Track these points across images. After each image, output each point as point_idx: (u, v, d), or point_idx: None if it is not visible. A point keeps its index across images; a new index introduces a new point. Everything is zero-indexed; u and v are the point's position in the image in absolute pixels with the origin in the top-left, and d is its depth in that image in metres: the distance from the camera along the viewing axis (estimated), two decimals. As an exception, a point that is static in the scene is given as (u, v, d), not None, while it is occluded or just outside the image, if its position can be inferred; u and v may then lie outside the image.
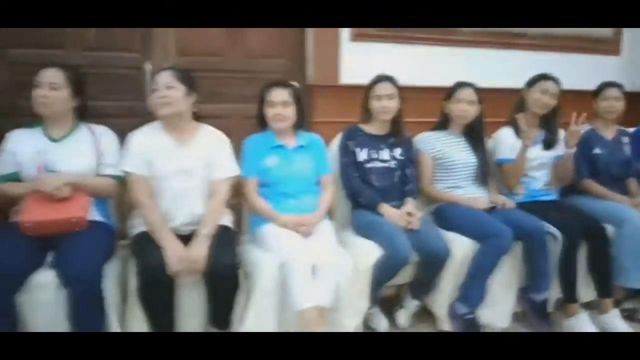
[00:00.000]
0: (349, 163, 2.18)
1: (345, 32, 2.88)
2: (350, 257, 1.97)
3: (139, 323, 1.76)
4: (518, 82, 2.53)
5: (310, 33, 2.85)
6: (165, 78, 1.84)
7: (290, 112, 2.01)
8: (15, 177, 1.79)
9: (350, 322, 1.98)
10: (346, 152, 2.19)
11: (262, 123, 2.10)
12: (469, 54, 3.07)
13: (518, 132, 2.33)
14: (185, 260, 1.71)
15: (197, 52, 2.77)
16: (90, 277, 1.61)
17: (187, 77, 1.90)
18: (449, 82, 2.40)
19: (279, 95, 1.99)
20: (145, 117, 2.64)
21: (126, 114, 2.63)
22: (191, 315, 1.85)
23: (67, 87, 1.80)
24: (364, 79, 2.81)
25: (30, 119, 2.49)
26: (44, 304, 1.62)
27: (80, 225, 1.71)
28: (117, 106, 2.65)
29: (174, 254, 1.71)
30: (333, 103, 2.84)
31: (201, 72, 2.64)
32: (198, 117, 1.99)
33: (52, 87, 1.77)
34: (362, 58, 2.90)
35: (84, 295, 1.60)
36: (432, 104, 2.49)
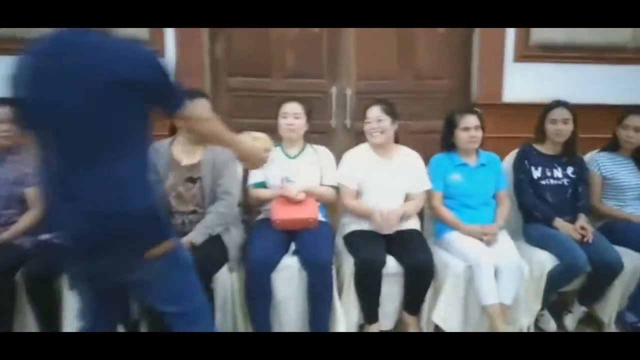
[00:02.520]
0: (525, 180, 2.59)
1: (509, 54, 3.25)
2: (527, 263, 2.38)
3: (351, 308, 2.35)
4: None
5: (476, 55, 3.27)
6: (376, 112, 2.42)
7: (480, 135, 2.47)
8: (263, 185, 2.47)
9: (523, 320, 2.39)
10: (522, 170, 2.61)
11: (447, 144, 2.58)
12: (628, 71, 3.26)
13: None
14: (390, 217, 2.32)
15: (373, 76, 3.32)
16: (324, 264, 2.23)
17: (391, 109, 2.45)
18: (608, 100, 2.64)
19: (473, 120, 2.47)
20: (329, 133, 3.30)
21: (315, 130, 3.26)
22: (390, 301, 2.40)
23: (304, 116, 2.45)
24: (525, 97, 3.18)
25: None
26: (290, 282, 2.27)
27: (314, 224, 2.35)
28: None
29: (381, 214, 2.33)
30: (495, 120, 3.22)
31: (376, 94, 3.21)
32: (397, 139, 2.54)
33: (296, 117, 2.43)
34: (525, 78, 3.25)
35: (319, 277, 2.23)
36: (589, 121, 2.75)
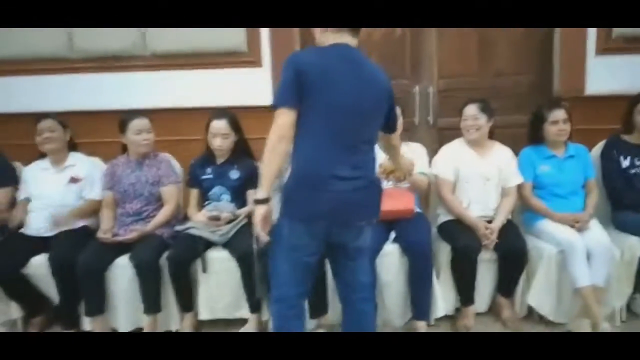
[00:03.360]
0: (613, 169, 2.75)
1: (591, 48, 3.36)
2: (617, 248, 2.53)
3: (448, 292, 2.60)
4: None
5: (557, 50, 3.40)
6: (472, 110, 2.64)
7: (568, 128, 2.65)
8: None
9: (616, 303, 2.55)
10: (610, 159, 2.76)
11: (535, 137, 2.76)
12: None
13: None
14: (490, 232, 2.51)
15: (455, 74, 3.52)
16: (424, 250, 2.49)
17: (487, 108, 2.67)
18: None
19: (562, 114, 2.65)
20: (412, 130, 3.53)
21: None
22: (485, 286, 2.62)
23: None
24: (608, 90, 3.28)
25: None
26: (392, 267, 2.54)
27: (412, 214, 2.61)
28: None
29: (483, 227, 2.53)
30: (579, 113, 3.33)
31: (457, 91, 3.43)
32: (491, 134, 2.75)
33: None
34: (606, 70, 3.35)
35: (419, 262, 2.49)
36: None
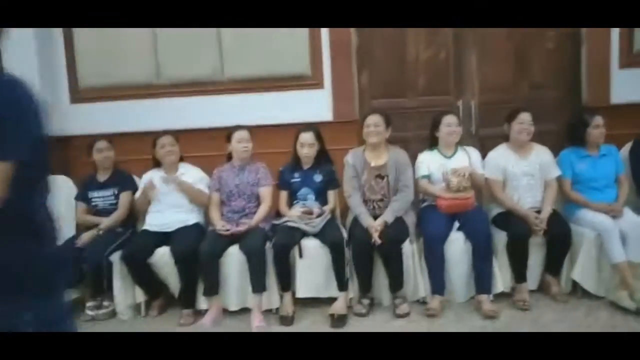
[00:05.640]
0: (640, 166, 3.33)
1: (614, 62, 3.96)
2: (649, 232, 3.10)
3: (503, 271, 3.16)
4: None
5: (584, 65, 4.00)
6: (528, 117, 3.23)
7: (605, 131, 3.25)
8: (427, 177, 3.33)
9: (649, 279, 3.10)
10: (637, 158, 3.34)
11: (578, 140, 3.34)
12: None
13: None
14: (540, 221, 3.07)
15: (494, 89, 4.11)
16: (485, 234, 3.08)
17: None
18: None
19: (601, 120, 3.24)
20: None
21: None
22: (535, 266, 3.19)
23: (460, 123, 3.32)
24: (631, 99, 3.86)
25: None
26: (457, 251, 3.12)
27: (473, 207, 3.19)
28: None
29: (533, 217, 3.09)
30: (605, 120, 3.89)
31: (496, 104, 4.03)
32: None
33: (456, 125, 3.29)
34: (630, 81, 3.93)
35: (481, 245, 3.07)
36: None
